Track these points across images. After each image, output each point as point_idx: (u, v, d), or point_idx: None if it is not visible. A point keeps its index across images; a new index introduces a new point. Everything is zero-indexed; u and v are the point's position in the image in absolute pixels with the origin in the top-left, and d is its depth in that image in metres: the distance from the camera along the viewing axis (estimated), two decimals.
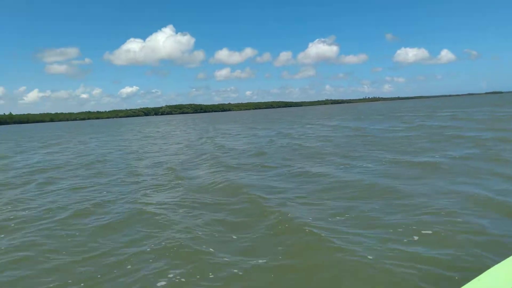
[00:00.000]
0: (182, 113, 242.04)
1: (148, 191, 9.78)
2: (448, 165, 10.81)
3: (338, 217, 6.72)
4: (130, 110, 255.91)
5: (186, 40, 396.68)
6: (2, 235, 6.75)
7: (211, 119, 79.51)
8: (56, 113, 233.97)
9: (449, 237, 5.50)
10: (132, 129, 52.95)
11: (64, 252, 5.77)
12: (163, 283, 4.62)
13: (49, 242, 6.25)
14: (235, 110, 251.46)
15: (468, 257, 4.77)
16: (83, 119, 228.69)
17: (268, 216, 6.97)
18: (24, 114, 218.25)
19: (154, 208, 7.97)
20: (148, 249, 5.67)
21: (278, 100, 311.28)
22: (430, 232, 5.72)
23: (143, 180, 11.46)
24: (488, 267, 2.25)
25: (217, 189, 9.60)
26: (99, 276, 4.90)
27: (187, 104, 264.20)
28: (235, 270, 4.83)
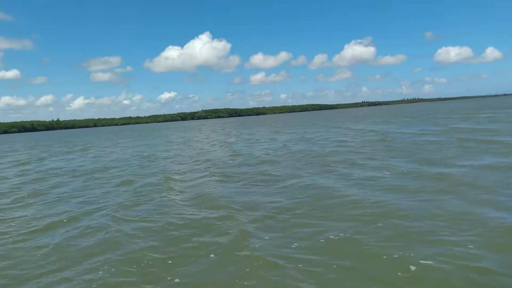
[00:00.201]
0: (218, 117, 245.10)
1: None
2: (471, 177, 9.20)
3: (318, 249, 5.57)
4: (168, 115, 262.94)
5: (222, 46, 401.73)
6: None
7: (241, 124, 79.16)
8: (99, 118, 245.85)
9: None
10: (162, 135, 53.54)
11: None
12: None
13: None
14: (269, 114, 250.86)
15: None
16: (124, 124, 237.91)
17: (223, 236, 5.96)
18: (70, 120, 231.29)
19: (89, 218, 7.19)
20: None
21: (313, 103, 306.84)
22: (430, 265, 4.46)
23: (123, 192, 10.80)
24: None
25: (190, 202, 8.72)
26: None
27: (222, 109, 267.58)
28: None
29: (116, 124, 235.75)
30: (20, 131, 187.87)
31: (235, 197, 9.04)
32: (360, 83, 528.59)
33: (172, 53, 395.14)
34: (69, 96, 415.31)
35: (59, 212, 8.75)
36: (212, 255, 5.46)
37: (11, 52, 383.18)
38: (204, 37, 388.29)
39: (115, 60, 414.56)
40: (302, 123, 54.77)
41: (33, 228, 7.52)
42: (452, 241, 5.32)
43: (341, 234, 5.92)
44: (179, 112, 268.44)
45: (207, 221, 7.13)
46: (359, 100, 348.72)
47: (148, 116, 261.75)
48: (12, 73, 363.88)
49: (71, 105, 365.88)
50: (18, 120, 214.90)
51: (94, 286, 4.76)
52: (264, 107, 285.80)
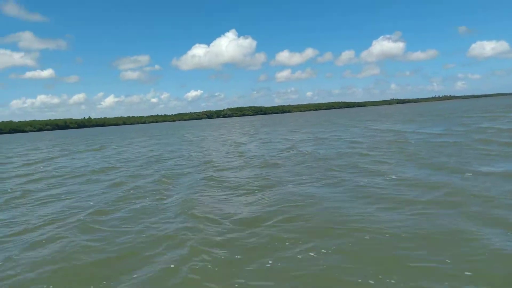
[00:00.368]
0: (243, 115, 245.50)
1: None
2: (481, 188, 8.12)
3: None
4: (194, 113, 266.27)
5: (248, 43, 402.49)
6: None
7: (263, 122, 78.43)
8: (128, 116, 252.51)
9: None
10: (182, 133, 53.74)
11: None
12: None
13: None
14: (294, 112, 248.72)
15: None
16: (152, 122, 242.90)
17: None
18: (101, 118, 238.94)
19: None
20: None
21: (340, 101, 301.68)
22: None
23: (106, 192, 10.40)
24: None
25: (167, 209, 8.15)
26: None
27: (248, 107, 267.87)
28: None
29: (144, 122, 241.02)
30: (54, 128, 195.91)
31: (215, 205, 8.39)
32: (389, 79, 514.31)
33: (198, 51, 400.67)
34: (100, 94, 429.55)
35: (31, 218, 8.42)
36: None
37: (46, 52, 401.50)
38: (230, 35, 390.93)
39: (143, 59, 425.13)
40: (323, 122, 53.44)
41: None
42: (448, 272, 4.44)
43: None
44: (205, 110, 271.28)
45: (166, 233, 6.52)
46: (388, 98, 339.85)
47: (174, 114, 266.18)
48: (47, 73, 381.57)
49: (102, 103, 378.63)
50: (53, 118, 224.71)
51: None
52: (289, 105, 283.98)
